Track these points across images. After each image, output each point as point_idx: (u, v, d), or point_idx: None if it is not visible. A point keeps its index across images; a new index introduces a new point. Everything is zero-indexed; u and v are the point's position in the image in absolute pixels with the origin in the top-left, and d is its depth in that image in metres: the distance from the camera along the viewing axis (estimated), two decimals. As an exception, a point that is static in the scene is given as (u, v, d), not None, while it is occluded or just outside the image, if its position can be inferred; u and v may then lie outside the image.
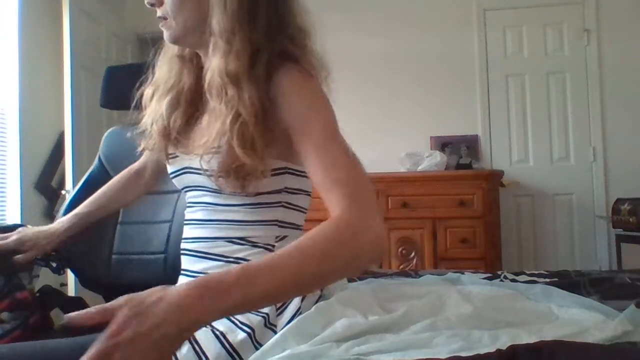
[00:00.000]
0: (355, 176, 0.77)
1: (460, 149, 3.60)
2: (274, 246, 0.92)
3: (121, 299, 0.58)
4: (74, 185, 2.48)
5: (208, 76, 0.89)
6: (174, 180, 1.02)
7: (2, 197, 2.85)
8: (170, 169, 1.02)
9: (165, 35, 0.95)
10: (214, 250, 0.93)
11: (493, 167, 3.54)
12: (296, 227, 0.97)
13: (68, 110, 2.91)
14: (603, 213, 3.41)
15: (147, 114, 1.02)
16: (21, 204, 2.90)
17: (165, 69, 1.02)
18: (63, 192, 2.93)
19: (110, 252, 1.53)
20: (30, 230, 1.21)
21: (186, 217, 0.99)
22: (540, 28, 3.62)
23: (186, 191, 1.00)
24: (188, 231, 0.98)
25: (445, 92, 3.67)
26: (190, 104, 0.99)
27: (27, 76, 2.97)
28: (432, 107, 3.67)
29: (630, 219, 2.96)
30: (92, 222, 1.26)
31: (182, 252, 0.98)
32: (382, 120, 3.68)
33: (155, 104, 1.01)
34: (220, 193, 0.92)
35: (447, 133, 3.63)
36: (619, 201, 3.11)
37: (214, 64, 0.88)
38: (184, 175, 0.98)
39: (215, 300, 0.58)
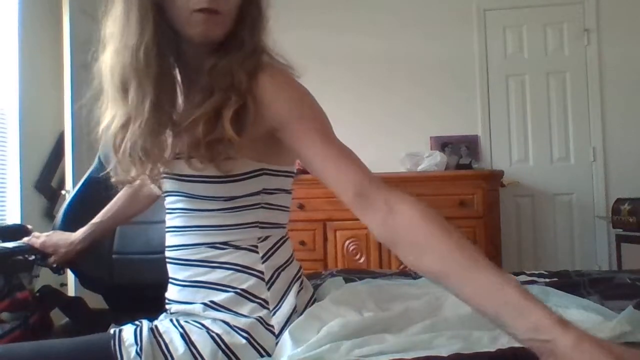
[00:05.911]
0: (365, 167, 0.82)
1: (460, 149, 3.59)
2: (256, 247, 0.91)
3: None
4: (74, 185, 2.48)
5: (220, 64, 0.86)
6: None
7: (2, 197, 2.85)
8: None
9: (211, 30, 0.84)
10: (197, 257, 0.91)
11: (493, 167, 3.54)
12: (278, 226, 0.95)
13: (68, 110, 2.91)
14: (603, 213, 3.41)
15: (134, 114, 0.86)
16: (21, 204, 2.89)
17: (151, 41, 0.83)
18: (63, 192, 2.92)
19: (110, 252, 1.53)
20: (55, 235, 1.29)
21: (167, 224, 0.97)
22: (540, 28, 3.62)
23: (165, 196, 0.98)
24: (169, 239, 0.96)
25: (445, 92, 3.67)
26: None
27: (27, 76, 2.96)
28: (432, 107, 3.67)
29: (630, 219, 2.96)
30: (106, 230, 1.33)
31: (167, 260, 0.96)
32: (382, 120, 3.68)
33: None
34: (193, 198, 0.90)
35: (447, 133, 3.63)
36: (619, 201, 3.11)
37: (236, 55, 0.86)
38: (163, 180, 0.95)
39: None
